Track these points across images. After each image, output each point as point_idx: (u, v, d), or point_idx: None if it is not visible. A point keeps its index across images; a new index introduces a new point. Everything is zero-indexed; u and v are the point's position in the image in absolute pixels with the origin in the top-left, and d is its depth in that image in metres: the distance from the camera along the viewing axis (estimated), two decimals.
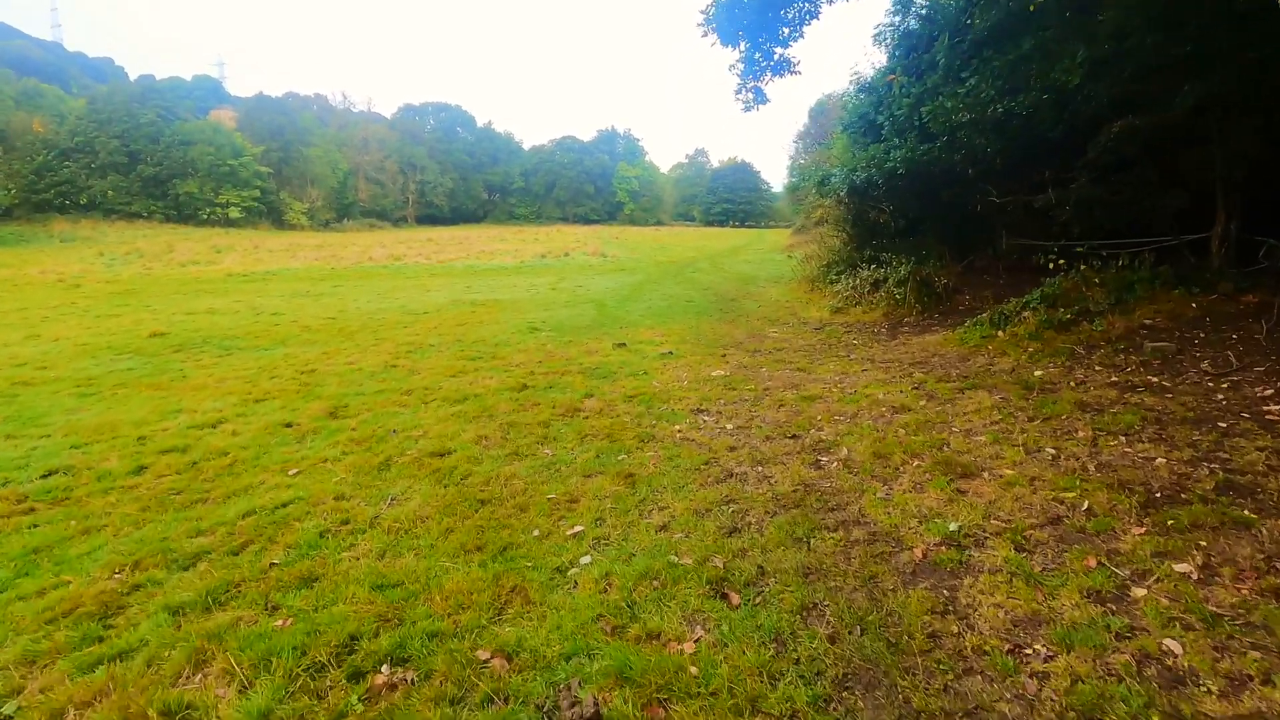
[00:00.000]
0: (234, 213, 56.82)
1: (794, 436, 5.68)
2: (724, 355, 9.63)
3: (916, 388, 7.00)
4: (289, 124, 63.06)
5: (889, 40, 16.55)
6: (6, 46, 79.03)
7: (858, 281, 13.50)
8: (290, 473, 5.28)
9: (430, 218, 76.19)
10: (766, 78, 10.16)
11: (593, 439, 5.86)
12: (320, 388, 8.27)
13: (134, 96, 55.89)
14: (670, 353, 9.77)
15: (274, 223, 59.19)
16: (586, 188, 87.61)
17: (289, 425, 6.63)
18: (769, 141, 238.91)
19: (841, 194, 13.35)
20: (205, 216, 55.89)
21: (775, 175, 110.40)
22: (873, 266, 13.63)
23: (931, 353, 8.79)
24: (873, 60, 18.17)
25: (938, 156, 11.08)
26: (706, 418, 6.42)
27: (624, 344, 10.37)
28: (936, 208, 13.76)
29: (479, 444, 5.78)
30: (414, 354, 10.31)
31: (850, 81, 17.43)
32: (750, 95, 10.45)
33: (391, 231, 61.33)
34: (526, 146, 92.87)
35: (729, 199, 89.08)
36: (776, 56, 9.81)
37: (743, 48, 9.81)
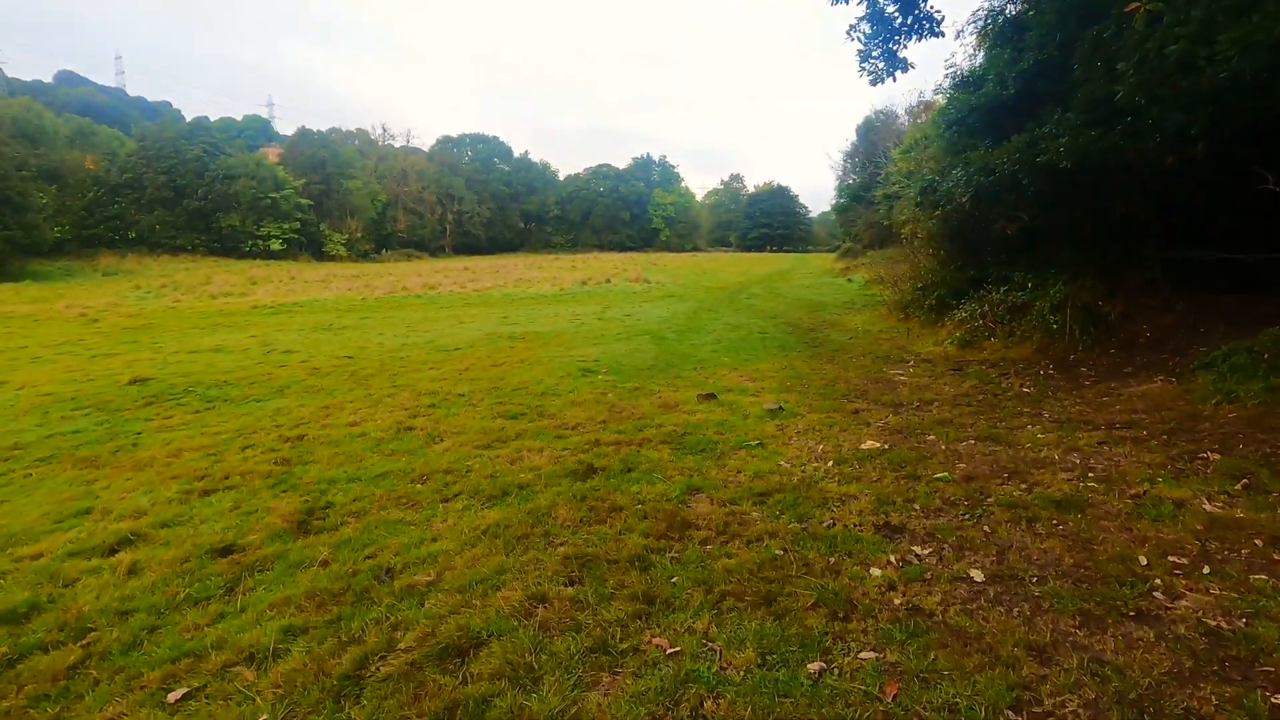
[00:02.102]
0: (275, 245, 56.11)
1: (1138, 616, 2.88)
2: (856, 412, 6.86)
3: (1247, 486, 4.14)
4: (330, 157, 62.52)
5: (990, 27, 13.96)
6: (73, 93, 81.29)
7: (986, 308, 10.63)
8: (173, 698, 2.67)
9: (468, 247, 75.00)
10: (899, 41, 7.57)
11: (738, 604, 3.14)
12: (302, 468, 5.72)
13: (182, 134, 55.85)
14: (780, 408, 7.02)
15: (314, 254, 58.32)
16: (622, 215, 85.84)
17: (227, 551, 4.05)
18: (802, 166, 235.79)
19: (963, 201, 10.59)
20: (247, 249, 55.26)
21: (809, 200, 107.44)
22: (1003, 289, 10.75)
23: (1182, 413, 5.88)
24: (970, 53, 15.46)
25: (1115, 144, 8.28)
26: (919, 550, 3.65)
27: (713, 395, 7.67)
28: (1074, 213, 10.87)
29: (530, 617, 3.10)
30: (437, 409, 7.76)
31: (946, 77, 14.74)
32: (880, 64, 7.86)
33: (428, 261, 59.97)
34: (562, 175, 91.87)
35: (766, 224, 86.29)
36: (917, 11, 7.22)
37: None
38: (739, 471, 5.13)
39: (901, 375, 8.73)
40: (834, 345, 11.83)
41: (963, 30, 16.48)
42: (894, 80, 8.47)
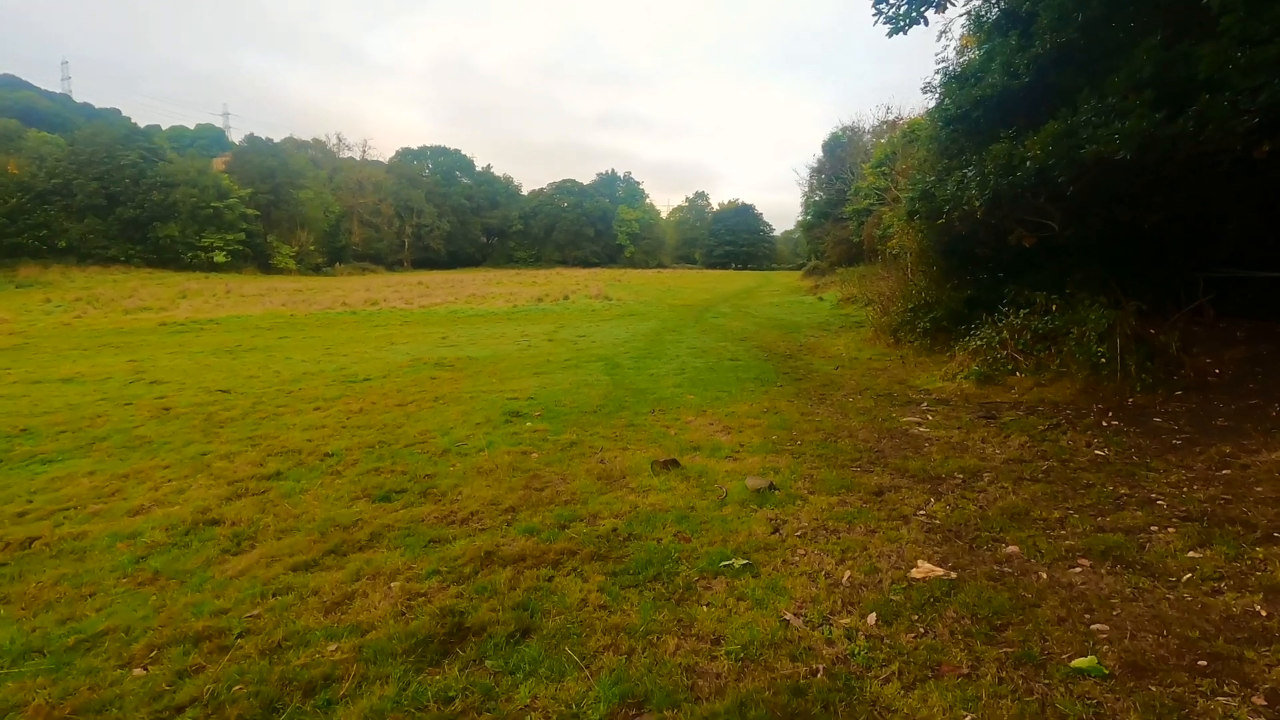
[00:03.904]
0: (219, 257, 52.31)
1: None
2: (880, 493, 4.67)
3: None
4: (280, 166, 58.90)
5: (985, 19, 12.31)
6: (12, 97, 75.79)
7: (1005, 334, 8.64)
8: None
9: (427, 261, 71.78)
10: None
11: None
12: None
13: (117, 138, 51.78)
14: (770, 486, 4.78)
15: (260, 267, 54.62)
16: (586, 231, 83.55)
17: None
18: (765, 185, 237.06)
19: (976, 206, 8.64)
20: (188, 260, 51.43)
21: (772, 219, 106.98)
22: (1022, 312, 8.79)
23: None
24: (959, 48, 13.80)
25: (1184, 130, 6.37)
26: None
27: (674, 462, 5.40)
28: (1109, 222, 9.04)
29: None
30: (281, 480, 5.35)
31: (937, 72, 12.99)
32: (903, 5, 5.84)
33: (382, 275, 56.76)
34: (526, 190, 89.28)
35: (731, 241, 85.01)
36: None
37: None
38: (715, 639, 2.87)
39: (920, 425, 6.59)
40: (820, 377, 9.71)
41: (947, 29, 14.87)
42: (924, 24, 6.51)
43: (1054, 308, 8.60)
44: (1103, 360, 7.25)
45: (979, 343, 8.74)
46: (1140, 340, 7.37)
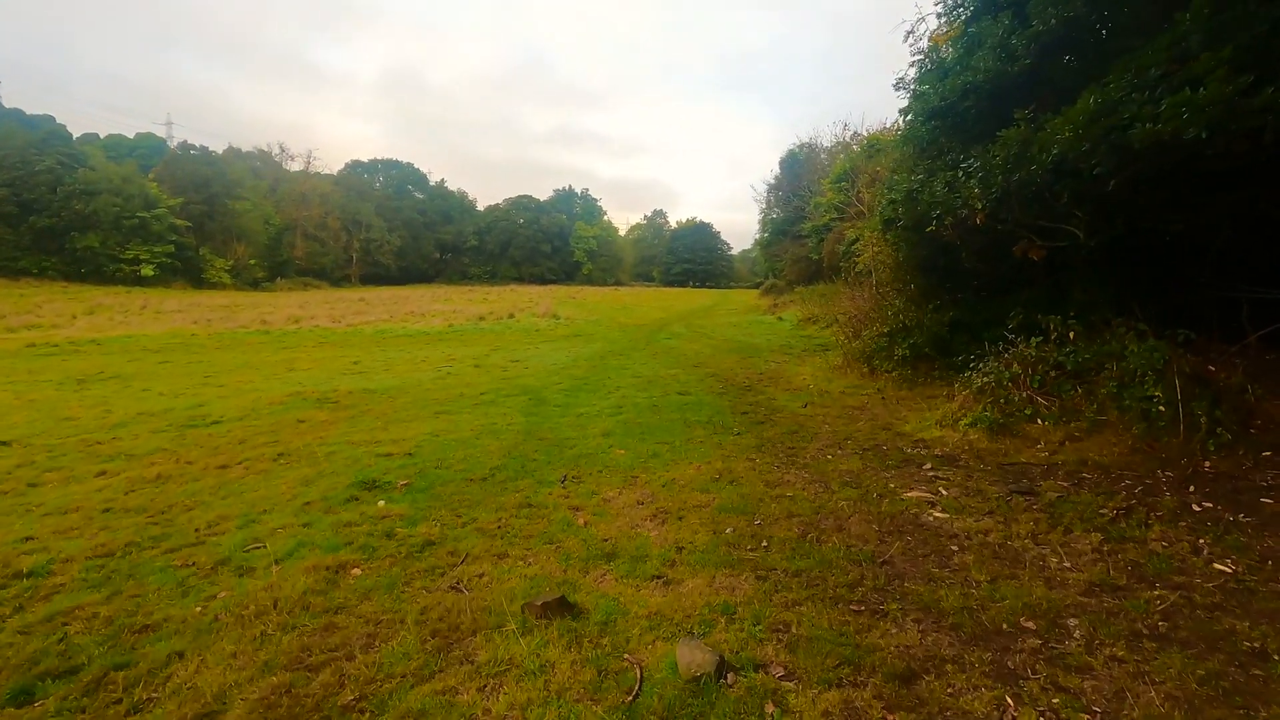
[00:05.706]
0: (146, 270, 48.15)
1: None
2: (912, 685, 2.59)
3: None
4: (217, 175, 55.02)
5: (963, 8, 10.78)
6: None
7: (1016, 369, 6.77)
8: None
9: (376, 277, 68.22)
10: None
11: None
12: None
13: (32, 142, 47.47)
14: (718, 668, 2.67)
15: (191, 281, 50.60)
16: (543, 247, 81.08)
17: None
18: (723, 204, 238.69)
19: (977, 208, 6.84)
20: (112, 274, 47.22)
21: (729, 237, 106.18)
22: (1035, 341, 6.95)
23: None
24: (928, 45, 12.22)
25: (1273, 103, 4.62)
26: None
27: (563, 603, 3.22)
28: (1123, 229, 7.30)
29: None
30: None
31: (911, 65, 11.36)
32: None
33: (323, 291, 53.20)
34: (481, 206, 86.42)
35: (689, 259, 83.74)
36: None
37: None
38: None
39: (935, 507, 4.58)
40: (787, 420, 7.70)
41: (915, 27, 13.30)
42: None
43: (1072, 335, 6.80)
44: (1160, 408, 5.41)
45: (985, 379, 6.85)
46: (1201, 381, 5.57)
